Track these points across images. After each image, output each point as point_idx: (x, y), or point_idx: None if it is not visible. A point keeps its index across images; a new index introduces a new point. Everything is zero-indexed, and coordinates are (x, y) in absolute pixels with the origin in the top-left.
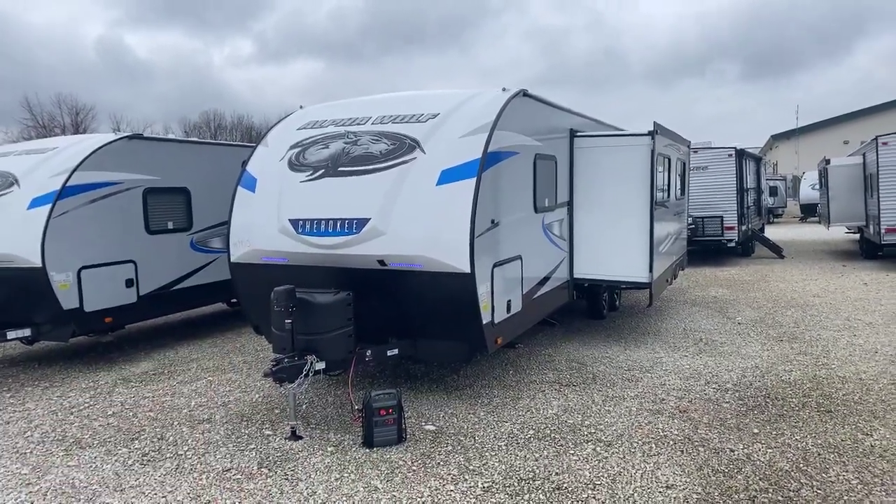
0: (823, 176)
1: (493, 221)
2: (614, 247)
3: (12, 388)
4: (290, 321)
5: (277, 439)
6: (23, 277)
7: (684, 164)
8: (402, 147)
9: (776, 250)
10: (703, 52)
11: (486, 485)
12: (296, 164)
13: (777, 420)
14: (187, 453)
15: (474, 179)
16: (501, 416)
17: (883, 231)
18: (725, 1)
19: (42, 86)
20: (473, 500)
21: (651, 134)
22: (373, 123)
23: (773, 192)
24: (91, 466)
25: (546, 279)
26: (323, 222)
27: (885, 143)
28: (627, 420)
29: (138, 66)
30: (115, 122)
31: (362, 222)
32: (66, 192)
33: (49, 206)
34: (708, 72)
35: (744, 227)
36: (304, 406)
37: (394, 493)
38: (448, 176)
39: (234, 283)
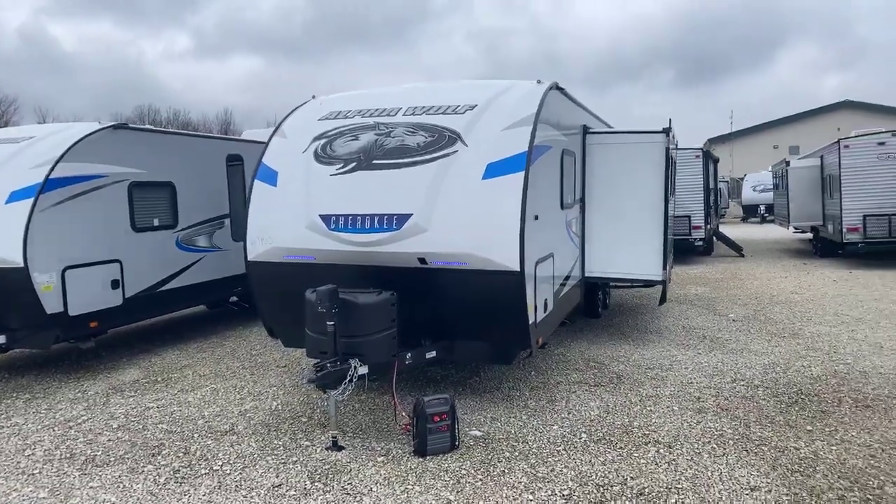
0: (782, 177)
1: (535, 217)
2: (627, 244)
3: None
4: (332, 323)
5: (318, 450)
6: (2, 279)
7: (675, 162)
8: (442, 139)
9: (736, 249)
10: (639, 57)
11: (564, 493)
12: (323, 157)
13: (823, 416)
14: (224, 468)
15: (522, 173)
16: (545, 419)
17: (845, 230)
18: (659, 11)
19: None
20: None
21: (665, 131)
22: (405, 115)
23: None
24: (118, 486)
25: (568, 277)
26: (359, 218)
27: (847, 146)
28: (675, 420)
29: (64, 58)
30: (40, 115)
31: (403, 218)
32: (48, 185)
33: (31, 201)
34: (643, 76)
35: (709, 227)
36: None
37: None
38: (494, 170)
39: (250, 284)
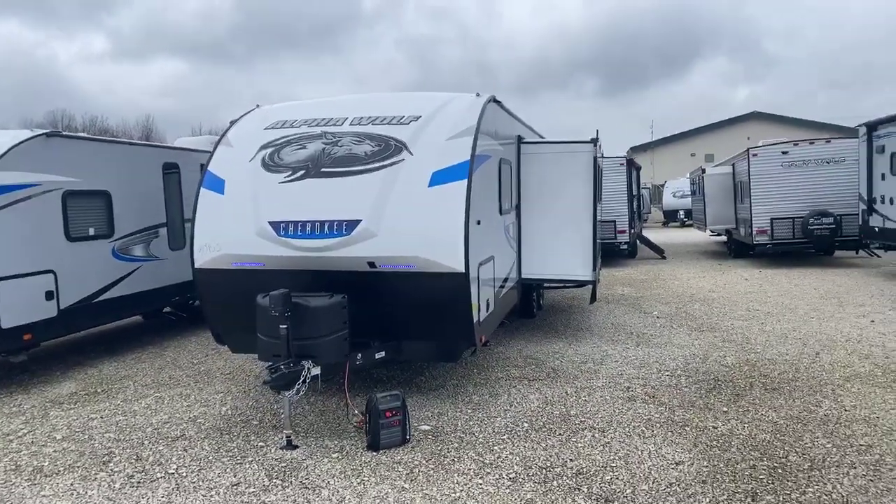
0: (698, 184)
1: (478, 222)
2: (560, 248)
3: None
4: (285, 326)
5: (273, 450)
6: None
7: (602, 170)
8: (389, 149)
9: (659, 252)
10: (564, 68)
11: (511, 476)
12: (271, 165)
13: (737, 399)
14: (179, 471)
15: (465, 181)
16: (489, 412)
17: (754, 232)
18: (582, 23)
19: None
20: (507, 491)
21: (593, 141)
22: (351, 125)
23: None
24: (72, 494)
25: (506, 279)
26: (309, 224)
27: (755, 155)
28: (607, 407)
29: None
30: None
31: (353, 224)
32: None
33: None
34: (569, 86)
35: (633, 231)
36: (282, 414)
37: (425, 492)
38: (439, 177)
39: (198, 291)
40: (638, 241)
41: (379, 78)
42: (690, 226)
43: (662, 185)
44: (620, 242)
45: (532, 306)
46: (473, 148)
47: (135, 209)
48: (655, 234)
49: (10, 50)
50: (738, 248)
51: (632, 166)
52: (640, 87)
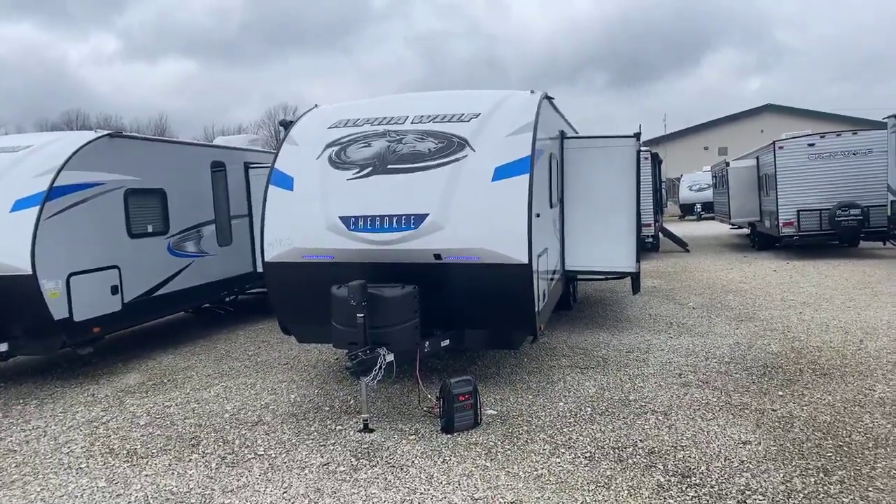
0: (722, 176)
1: (537, 215)
2: (604, 240)
3: None
4: (362, 315)
5: (351, 433)
6: (9, 286)
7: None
8: (452, 145)
9: (682, 244)
10: (574, 62)
11: (586, 455)
12: (338, 162)
13: (790, 384)
14: (268, 453)
15: (528, 175)
16: (550, 397)
17: (781, 224)
18: (591, 16)
19: None
20: (586, 469)
21: (636, 136)
22: (413, 123)
23: None
24: (173, 473)
25: (555, 271)
26: (378, 219)
27: (781, 147)
28: (664, 393)
29: None
30: None
31: (420, 218)
32: (53, 192)
33: (38, 208)
34: (579, 80)
35: (657, 224)
36: (350, 400)
37: (507, 469)
38: (502, 172)
39: (268, 284)
40: (660, 234)
41: (387, 73)
42: (709, 219)
43: (678, 179)
44: (646, 235)
45: (570, 298)
46: (533, 143)
47: (187, 206)
48: (674, 228)
49: (24, 51)
50: (762, 240)
51: (655, 160)
52: (650, 81)
